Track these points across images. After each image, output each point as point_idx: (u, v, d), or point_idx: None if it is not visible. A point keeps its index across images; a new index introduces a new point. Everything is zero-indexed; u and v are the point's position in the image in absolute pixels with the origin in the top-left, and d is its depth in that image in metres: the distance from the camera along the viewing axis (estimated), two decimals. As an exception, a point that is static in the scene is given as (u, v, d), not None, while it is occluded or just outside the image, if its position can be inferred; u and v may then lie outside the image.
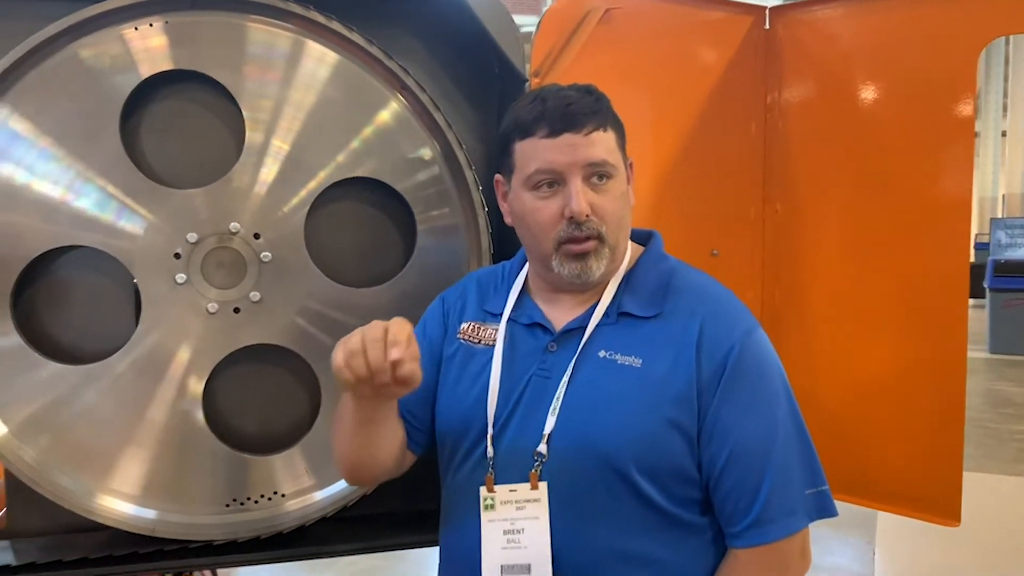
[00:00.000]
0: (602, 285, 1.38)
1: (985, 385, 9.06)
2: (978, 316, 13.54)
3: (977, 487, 5.26)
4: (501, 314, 1.44)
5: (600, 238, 1.32)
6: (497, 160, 1.43)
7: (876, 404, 2.05)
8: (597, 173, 1.31)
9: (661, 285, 1.38)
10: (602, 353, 1.34)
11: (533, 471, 1.31)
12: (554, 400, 1.32)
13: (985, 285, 11.14)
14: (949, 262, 1.89)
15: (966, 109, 1.83)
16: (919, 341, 1.96)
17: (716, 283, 1.43)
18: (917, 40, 1.90)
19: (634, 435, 1.28)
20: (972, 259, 15.92)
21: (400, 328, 1.24)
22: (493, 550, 1.33)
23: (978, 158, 20.14)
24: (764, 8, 2.10)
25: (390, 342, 1.21)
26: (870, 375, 2.05)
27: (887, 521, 4.33)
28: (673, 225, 2.01)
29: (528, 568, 1.30)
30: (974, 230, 18.96)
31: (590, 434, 1.30)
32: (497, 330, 1.43)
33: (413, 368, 1.22)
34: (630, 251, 1.43)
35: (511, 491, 1.32)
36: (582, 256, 1.32)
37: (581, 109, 1.30)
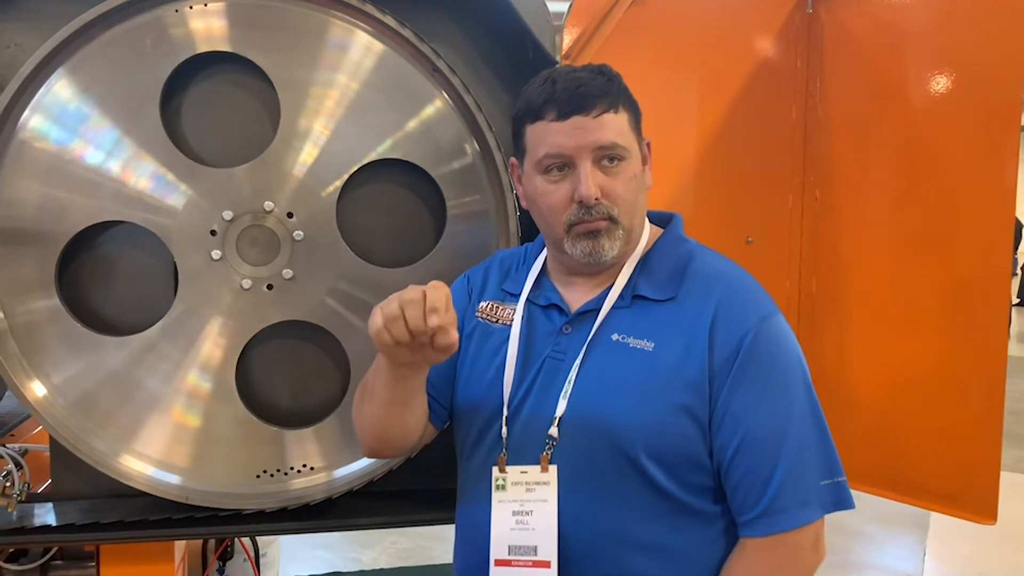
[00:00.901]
0: (617, 267, 1.38)
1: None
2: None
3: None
4: (519, 294, 1.45)
5: (612, 219, 1.31)
6: (512, 143, 1.43)
7: (914, 400, 2.00)
8: (607, 156, 1.30)
9: (678, 268, 1.37)
10: (615, 336, 1.33)
11: (544, 454, 1.32)
12: (566, 383, 1.32)
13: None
14: (991, 258, 1.83)
15: (1014, 100, 1.76)
16: (959, 338, 1.90)
17: (735, 267, 1.41)
18: (964, 27, 1.84)
19: (643, 420, 1.28)
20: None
21: (438, 293, 1.21)
22: (502, 530, 1.34)
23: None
24: (807, -9, 2.06)
25: (429, 308, 1.19)
26: (908, 370, 2.00)
27: (940, 521, 4.23)
28: (708, 211, 1.99)
29: (535, 550, 1.31)
30: (1050, 227, 18.22)
31: (600, 418, 1.29)
32: (515, 310, 1.43)
33: (452, 334, 1.22)
34: (648, 233, 1.42)
35: (522, 472, 1.33)
36: (594, 234, 1.31)
37: (591, 91, 1.29)
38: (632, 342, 1.32)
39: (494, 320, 1.46)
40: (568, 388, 1.32)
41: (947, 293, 1.93)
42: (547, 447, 1.32)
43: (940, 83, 1.91)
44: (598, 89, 1.29)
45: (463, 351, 1.48)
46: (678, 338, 1.30)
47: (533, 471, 1.32)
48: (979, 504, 1.88)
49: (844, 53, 2.03)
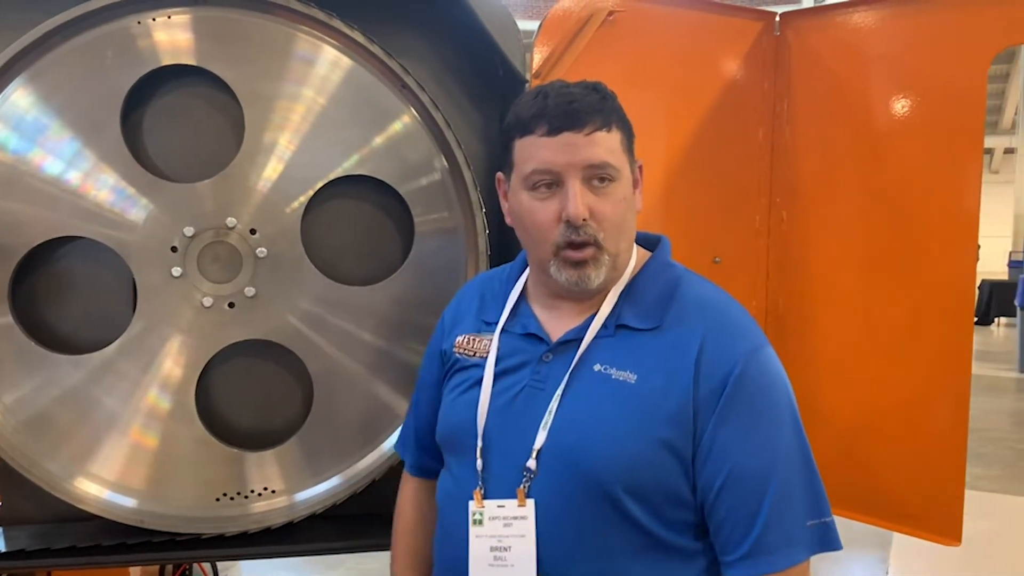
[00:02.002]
0: (603, 293, 1.33)
1: (1014, 405, 8.90)
2: (1010, 335, 13.30)
3: (1000, 509, 5.17)
4: (497, 322, 1.41)
5: (598, 244, 1.26)
6: (499, 157, 1.39)
7: (880, 420, 2.01)
8: (598, 175, 1.25)
9: (664, 296, 1.32)
10: (597, 367, 1.28)
11: (521, 487, 1.27)
12: (546, 415, 1.28)
13: (1017, 303, 10.95)
14: (955, 278, 1.85)
15: (976, 120, 1.79)
16: (924, 357, 1.91)
17: (725, 296, 1.36)
18: (927, 49, 1.86)
19: (623, 455, 1.23)
20: (1006, 276, 15.67)
21: None
22: (480, 567, 1.30)
23: (1014, 174, 19.81)
24: (774, 14, 2.08)
25: None
26: (874, 389, 2.01)
27: (903, 538, 4.27)
28: (676, 231, 1.97)
29: None
30: (1008, 247, 18.66)
31: (579, 453, 1.25)
32: (492, 341, 1.39)
33: None
34: (636, 256, 1.37)
35: (499, 507, 1.29)
36: (581, 264, 1.27)
37: (583, 107, 1.24)
38: (615, 373, 1.27)
39: (470, 353, 1.41)
40: (548, 419, 1.27)
41: (912, 313, 1.94)
42: (524, 480, 1.27)
43: (904, 104, 1.93)
44: (591, 106, 1.25)
45: (445, 386, 1.45)
46: (661, 370, 1.25)
47: (511, 505, 1.27)
48: (944, 525, 1.89)
49: (811, 75, 2.04)
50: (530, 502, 1.26)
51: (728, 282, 1.68)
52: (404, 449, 1.60)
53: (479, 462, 1.32)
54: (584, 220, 1.24)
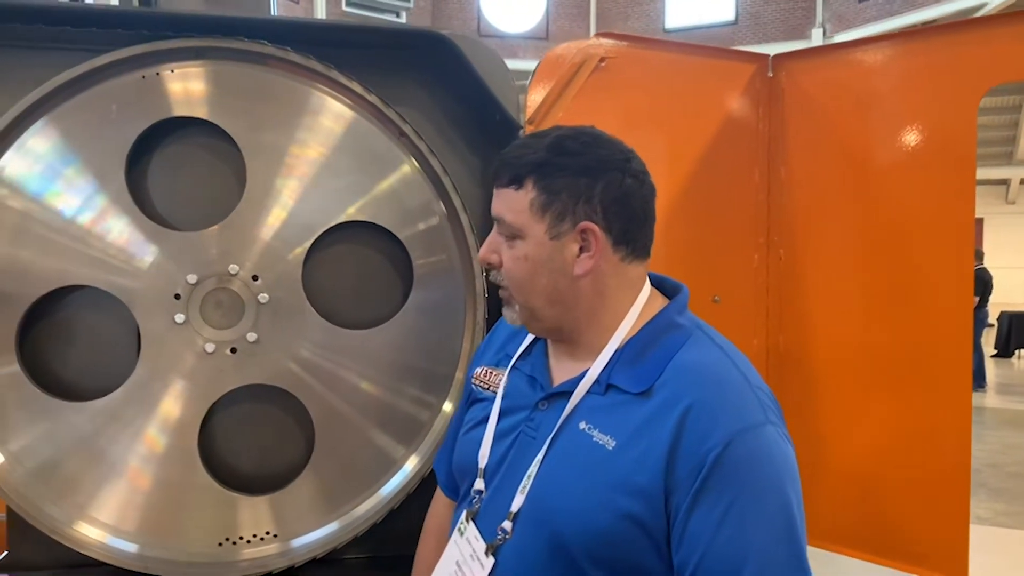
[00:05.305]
0: (598, 346, 1.28)
1: (1033, 439, 8.75)
2: (1033, 369, 13.10)
3: (1021, 546, 5.07)
4: (513, 356, 1.41)
5: (507, 290, 1.30)
6: None
7: (883, 458, 2.00)
8: (502, 231, 1.28)
9: (661, 357, 1.23)
10: (582, 425, 1.24)
11: (491, 543, 1.26)
12: (524, 478, 1.25)
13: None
14: (952, 310, 1.85)
15: (968, 156, 1.81)
16: (925, 396, 1.91)
17: (732, 364, 1.24)
18: (918, 87, 1.89)
19: (589, 528, 1.18)
20: (1024, 309, 15.49)
21: None
22: (446, 570, 1.33)
23: (1032, 210, 19.66)
24: (767, 56, 2.11)
25: None
26: (877, 428, 2.01)
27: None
28: (675, 271, 1.98)
29: None
30: (1026, 281, 18.46)
31: (548, 516, 1.22)
32: (504, 375, 1.40)
33: None
34: (644, 306, 1.29)
35: (475, 538, 1.30)
36: (502, 301, 1.33)
37: (505, 160, 1.26)
38: (596, 436, 1.22)
39: (485, 387, 1.42)
40: (527, 483, 1.25)
41: (912, 350, 1.94)
42: (498, 537, 1.26)
43: (898, 143, 1.95)
44: (511, 159, 1.26)
45: (464, 420, 1.47)
46: (639, 440, 1.18)
47: (479, 547, 1.28)
48: (950, 563, 1.87)
49: (804, 115, 2.07)
50: (489, 562, 1.25)
51: (727, 321, 1.68)
52: (438, 464, 1.60)
53: (480, 483, 1.34)
54: (488, 264, 1.30)
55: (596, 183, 1.23)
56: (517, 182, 1.24)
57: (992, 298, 10.57)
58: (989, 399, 10.22)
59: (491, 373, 1.43)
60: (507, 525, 1.26)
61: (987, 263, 10.78)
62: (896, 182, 1.95)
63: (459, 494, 1.48)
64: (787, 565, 1.14)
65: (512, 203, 1.25)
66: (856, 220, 2.01)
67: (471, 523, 1.32)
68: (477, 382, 1.45)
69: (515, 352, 1.41)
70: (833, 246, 2.05)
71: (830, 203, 2.05)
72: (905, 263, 1.95)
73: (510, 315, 1.32)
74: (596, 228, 1.24)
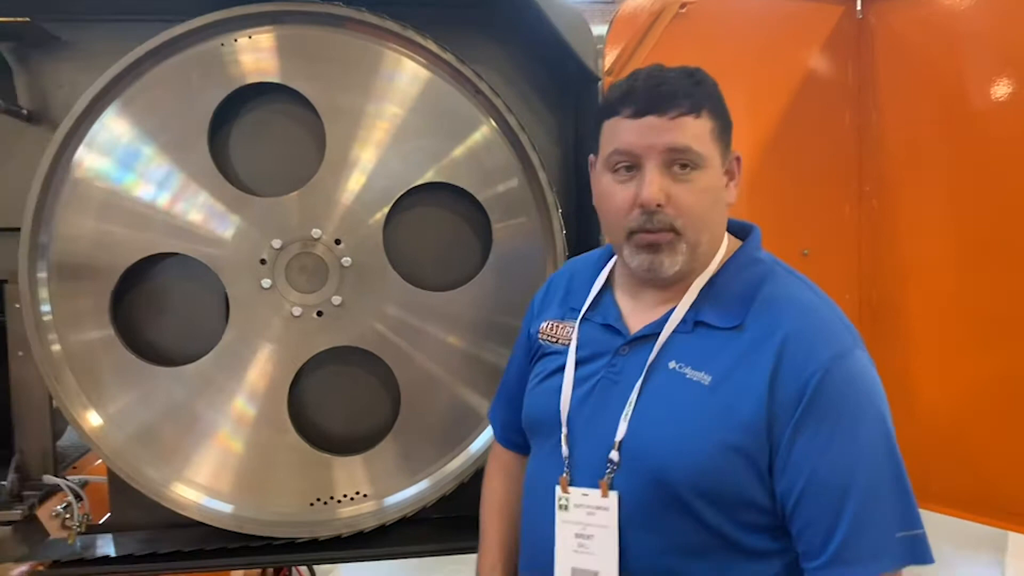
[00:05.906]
0: (684, 284, 1.28)
1: None
2: None
3: None
4: (580, 309, 1.40)
5: (676, 231, 1.22)
6: (591, 139, 1.36)
7: (984, 414, 1.91)
8: (679, 161, 1.21)
9: (747, 293, 1.25)
10: (672, 364, 1.25)
11: (603, 479, 1.26)
12: (626, 406, 1.26)
13: None
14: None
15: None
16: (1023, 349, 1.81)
17: (813, 294, 1.28)
18: (1019, 26, 1.77)
19: (693, 462, 1.20)
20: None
21: None
22: (565, 552, 1.30)
23: None
24: (855, -3, 2.01)
25: None
26: (977, 383, 1.91)
27: (1019, 539, 4.05)
28: (762, 224, 1.93)
29: (596, 575, 1.27)
30: None
31: (649, 450, 1.23)
32: (574, 328, 1.39)
33: None
34: (726, 247, 1.31)
35: (583, 495, 1.28)
36: (654, 247, 1.23)
37: (672, 90, 1.20)
38: (689, 373, 1.24)
39: (554, 340, 1.41)
40: (629, 411, 1.25)
41: (1010, 300, 1.84)
42: (608, 471, 1.26)
43: (998, 86, 1.84)
44: (680, 90, 1.21)
45: (532, 371, 1.45)
46: (737, 374, 1.20)
47: (594, 495, 1.27)
48: (1061, 523, 1.78)
49: (896, 58, 1.97)
50: (613, 494, 1.25)
51: (818, 275, 1.62)
52: (494, 418, 1.61)
53: (564, 449, 1.32)
54: (659, 206, 1.21)
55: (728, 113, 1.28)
56: (696, 110, 1.21)
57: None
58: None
59: (558, 326, 1.42)
60: (614, 455, 1.26)
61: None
62: (997, 127, 1.84)
63: (519, 446, 1.50)
64: (892, 477, 1.18)
65: (696, 131, 1.21)
66: (954, 168, 1.90)
67: (570, 488, 1.30)
68: (544, 336, 1.43)
69: (581, 305, 1.40)
70: (929, 196, 1.95)
71: (926, 151, 1.94)
72: (1003, 213, 1.84)
73: (668, 262, 1.24)
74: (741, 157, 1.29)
